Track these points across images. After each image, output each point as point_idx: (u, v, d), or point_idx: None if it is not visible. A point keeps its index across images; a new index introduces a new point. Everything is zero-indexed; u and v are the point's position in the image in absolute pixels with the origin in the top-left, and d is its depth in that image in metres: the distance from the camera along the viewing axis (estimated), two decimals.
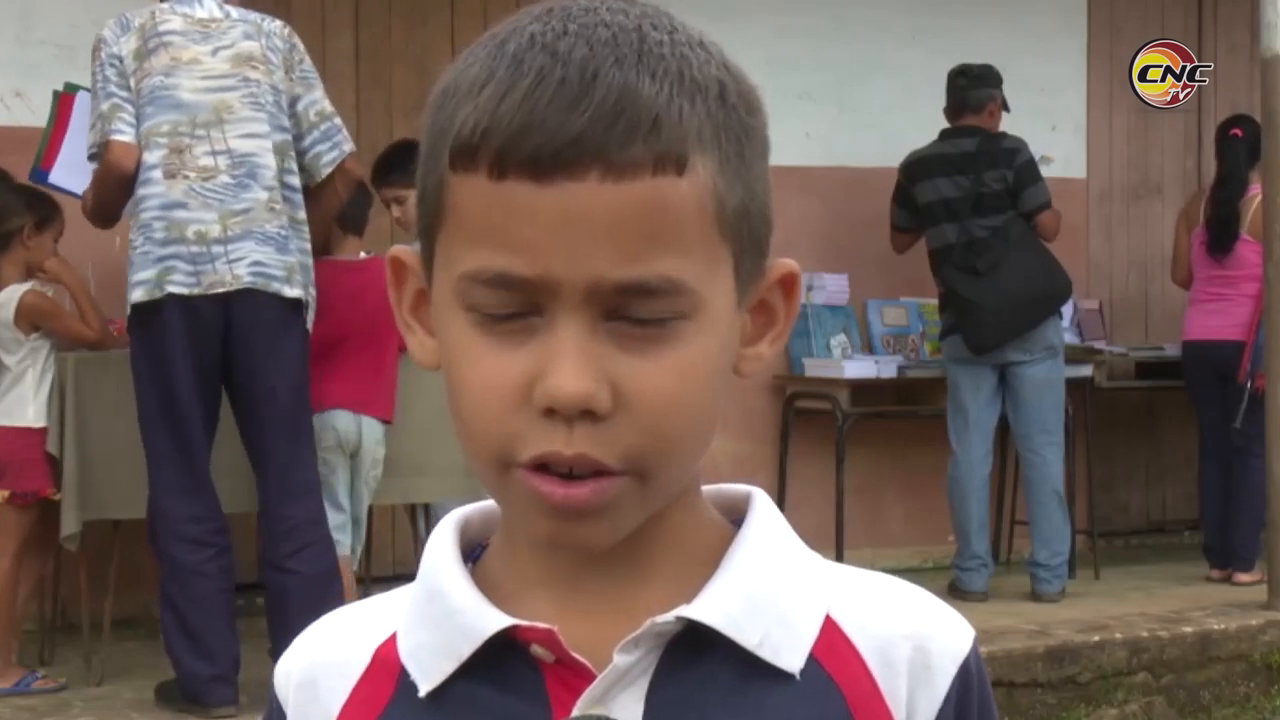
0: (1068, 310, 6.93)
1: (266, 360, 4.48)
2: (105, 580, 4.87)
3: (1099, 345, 7.38)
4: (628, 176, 0.83)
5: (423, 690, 0.92)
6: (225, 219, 4.39)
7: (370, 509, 5.34)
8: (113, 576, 4.88)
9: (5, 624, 4.83)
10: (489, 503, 0.98)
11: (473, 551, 0.97)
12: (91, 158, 4.55)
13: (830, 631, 0.93)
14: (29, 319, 4.83)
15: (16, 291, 4.84)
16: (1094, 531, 7.16)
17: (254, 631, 4.84)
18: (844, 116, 7.07)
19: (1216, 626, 5.71)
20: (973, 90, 6.36)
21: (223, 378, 4.51)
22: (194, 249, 4.35)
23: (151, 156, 4.39)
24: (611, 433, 0.85)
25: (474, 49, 0.89)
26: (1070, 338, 7.07)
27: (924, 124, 6.47)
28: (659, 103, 0.84)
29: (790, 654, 0.91)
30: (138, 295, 4.38)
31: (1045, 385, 6.26)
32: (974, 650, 0.96)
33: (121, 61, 4.44)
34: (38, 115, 5.71)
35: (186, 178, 4.38)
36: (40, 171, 5.13)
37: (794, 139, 6.67)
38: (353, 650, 0.96)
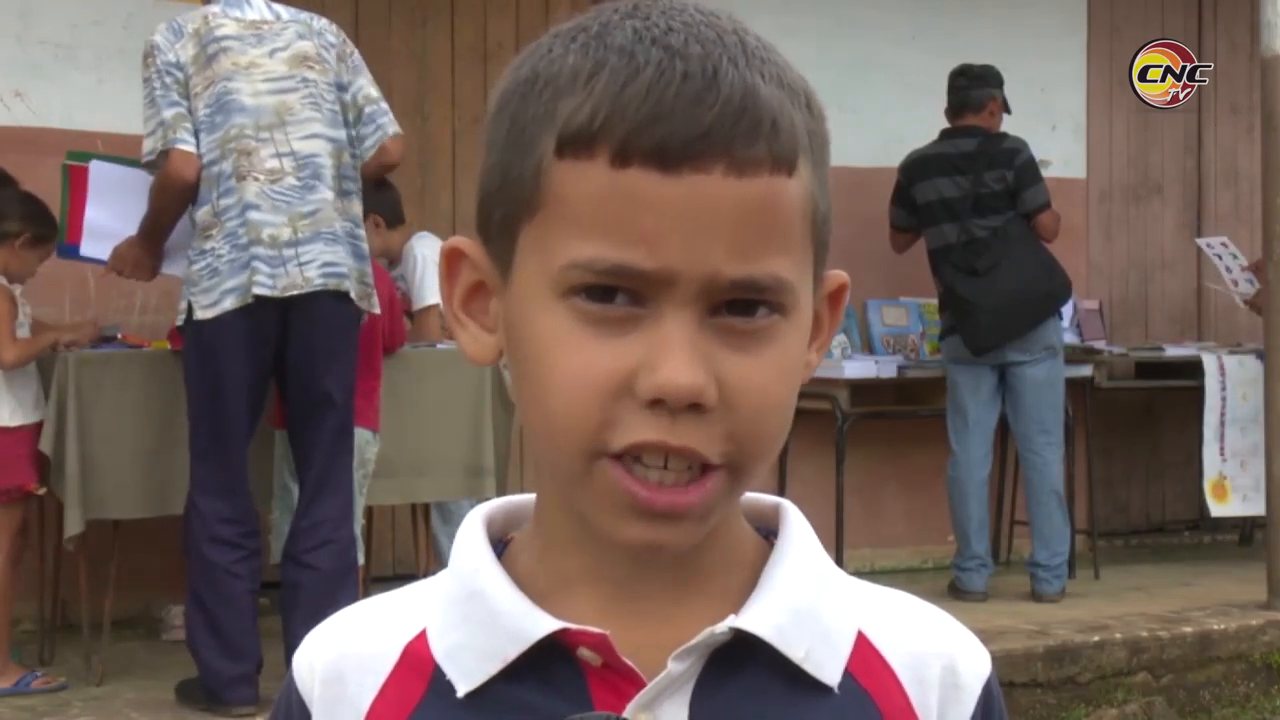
0: (1067, 310, 6.93)
1: (328, 364, 4.48)
2: (105, 580, 4.87)
3: (1099, 345, 7.38)
4: (749, 174, 0.84)
5: (461, 691, 0.91)
6: (294, 221, 4.37)
7: (370, 509, 5.33)
8: (113, 576, 4.87)
9: (3, 623, 4.82)
10: (511, 498, 0.99)
11: (495, 547, 0.96)
12: (148, 164, 4.49)
13: (864, 647, 0.94)
14: None
15: None
16: (1094, 531, 7.16)
17: (271, 630, 4.84)
18: (844, 116, 7.06)
19: (1216, 626, 5.71)
20: (973, 90, 6.36)
21: (276, 380, 4.52)
22: (268, 252, 4.34)
23: (227, 164, 4.36)
24: (713, 428, 0.85)
25: (556, 41, 0.88)
26: (1070, 338, 7.07)
27: (924, 124, 6.47)
28: (775, 105, 0.85)
29: (830, 668, 0.92)
30: (229, 303, 4.33)
31: (1045, 385, 6.26)
32: (993, 671, 0.98)
33: (181, 69, 4.41)
34: (38, 115, 5.71)
35: (257, 179, 4.37)
36: (67, 247, 4.97)
37: None
38: (381, 645, 0.95)
